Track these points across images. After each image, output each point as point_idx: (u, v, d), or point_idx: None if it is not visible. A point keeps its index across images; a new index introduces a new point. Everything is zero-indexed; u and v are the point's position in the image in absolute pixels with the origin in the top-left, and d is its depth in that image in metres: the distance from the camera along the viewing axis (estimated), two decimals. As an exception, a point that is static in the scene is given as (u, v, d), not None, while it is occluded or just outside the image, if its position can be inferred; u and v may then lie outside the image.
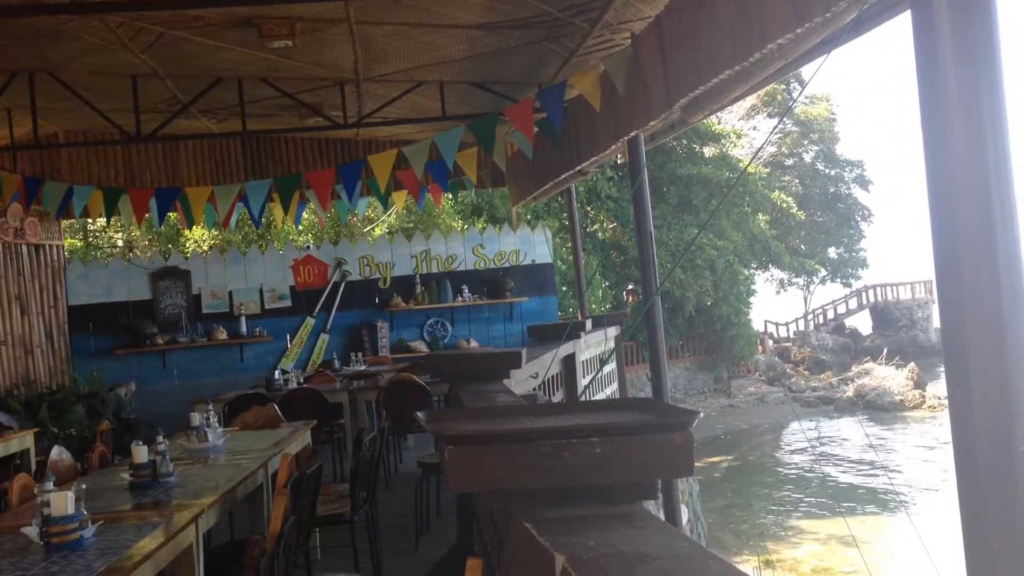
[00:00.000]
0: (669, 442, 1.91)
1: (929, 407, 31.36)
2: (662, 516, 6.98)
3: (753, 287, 35.55)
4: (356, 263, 12.68)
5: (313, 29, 7.42)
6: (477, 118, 7.85)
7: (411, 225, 17.56)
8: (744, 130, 38.61)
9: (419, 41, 8.02)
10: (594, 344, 10.69)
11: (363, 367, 10.45)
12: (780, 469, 26.36)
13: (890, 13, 4.59)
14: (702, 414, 1.99)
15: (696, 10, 5.80)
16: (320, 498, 5.24)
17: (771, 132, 20.10)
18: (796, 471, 25.91)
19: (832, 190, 42.46)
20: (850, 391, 34.48)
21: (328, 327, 12.51)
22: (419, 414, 2.18)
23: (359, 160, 8.75)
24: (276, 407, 6.70)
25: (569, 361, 9.43)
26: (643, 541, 1.65)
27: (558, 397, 8.63)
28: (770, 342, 41.42)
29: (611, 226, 30.19)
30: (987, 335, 1.73)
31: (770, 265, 38.66)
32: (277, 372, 9.45)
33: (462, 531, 4.61)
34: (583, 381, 9.51)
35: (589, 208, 29.19)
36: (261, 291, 12.46)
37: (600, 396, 10.49)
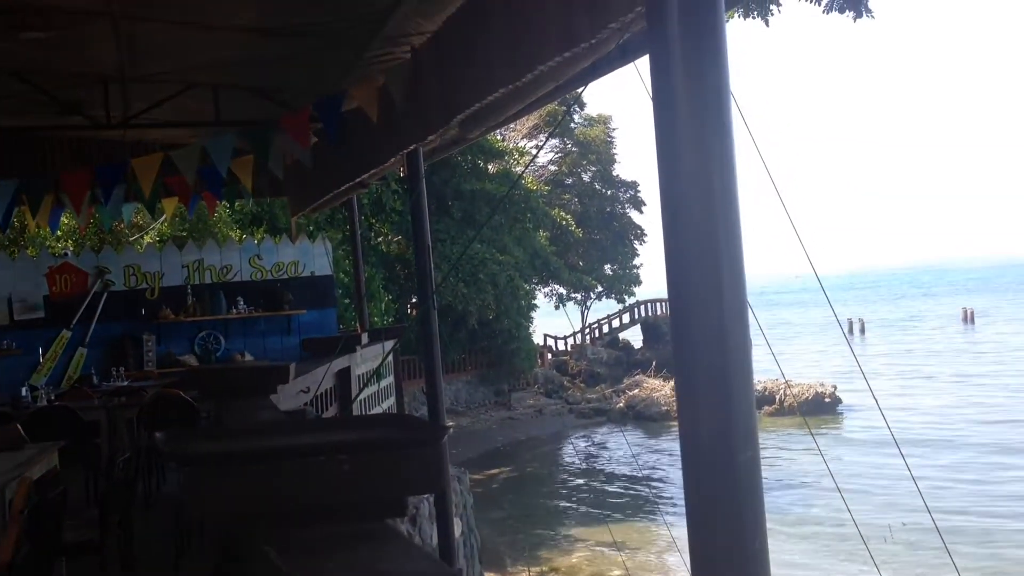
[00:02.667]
0: (418, 458, 1.90)
1: (693, 416, 33.22)
2: (435, 530, 7.00)
3: (534, 302, 36.57)
4: (121, 272, 11.93)
5: (71, 22, 6.93)
6: (253, 125, 7.62)
7: (184, 234, 16.76)
8: (527, 148, 39.70)
9: (191, 41, 7.68)
10: (371, 358, 10.59)
11: (125, 383, 9.84)
12: (556, 480, 27.17)
13: (632, 56, 4.86)
14: (451, 429, 1.99)
15: (473, 29, 5.90)
16: (67, 524, 4.87)
17: (538, 151, 20.80)
18: (570, 481, 26.79)
19: (608, 209, 44.43)
20: (622, 402, 36.11)
21: (87, 340, 11.69)
22: (157, 435, 2.06)
23: (121, 162, 8.25)
24: (19, 427, 6.17)
25: (344, 375, 9.29)
26: (383, 560, 1.63)
27: (331, 412, 8.48)
28: (549, 356, 42.70)
29: (396, 239, 30.15)
30: (712, 352, 1.85)
31: (550, 280, 39.93)
32: (24, 389, 8.72)
33: (222, 553, 4.42)
34: (358, 395, 9.40)
35: (374, 220, 29.03)
36: (10, 301, 11.46)
37: (377, 410, 10.41)
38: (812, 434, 28.62)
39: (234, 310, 12.15)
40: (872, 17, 8.95)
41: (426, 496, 7.77)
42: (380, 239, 29.79)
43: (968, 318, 69.32)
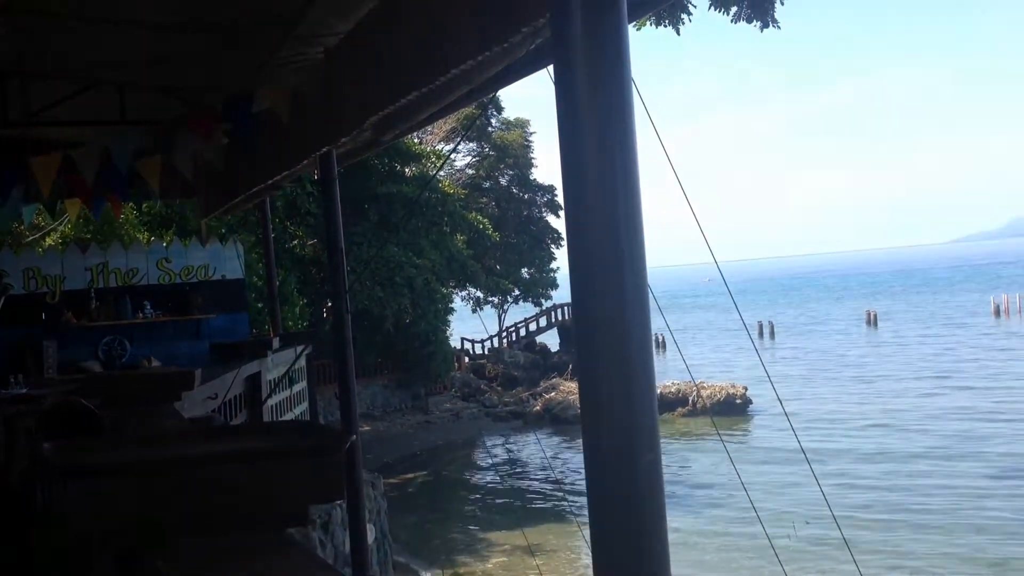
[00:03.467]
0: (320, 466, 1.87)
1: (608, 419, 33.64)
2: (347, 536, 6.91)
3: (451, 305, 36.52)
4: (20, 275, 11.48)
5: (-34, 14, 6.64)
6: (160, 124, 7.42)
7: (88, 236, 16.23)
8: (445, 151, 39.63)
9: (96, 37, 7.44)
10: (283, 363, 10.41)
11: (23, 390, 9.45)
12: (472, 484, 27.17)
13: (545, 61, 4.90)
14: (355, 437, 1.96)
15: (386, 30, 5.85)
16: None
17: (450, 152, 20.79)
18: (487, 485, 26.83)
19: (526, 213, 44.69)
20: (538, 406, 36.30)
21: (-17, 346, 11.22)
22: (45, 445, 1.98)
23: (20, 162, 7.94)
24: (-93, 437, 5.88)
25: (254, 380, 9.11)
26: (280, 572, 1.59)
27: (240, 418, 8.31)
28: (466, 359, 42.71)
29: (311, 242, 29.77)
30: (614, 356, 1.86)
31: (467, 284, 39.94)
32: (-85, 397, 8.31)
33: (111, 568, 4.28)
34: (269, 401, 9.24)
35: (289, 223, 28.61)
36: (-100, 305, 10.93)
37: (289, 416, 10.24)
38: (720, 435, 29.29)
39: (140, 315, 11.80)
40: (779, 28, 9.21)
41: (339, 502, 7.68)
42: (295, 242, 29.37)
43: (871, 321, 71.68)
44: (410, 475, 26.69)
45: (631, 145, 1.91)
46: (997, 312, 70.75)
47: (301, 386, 11.32)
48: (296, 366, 10.87)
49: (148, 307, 11.84)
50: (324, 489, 1.89)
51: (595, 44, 1.87)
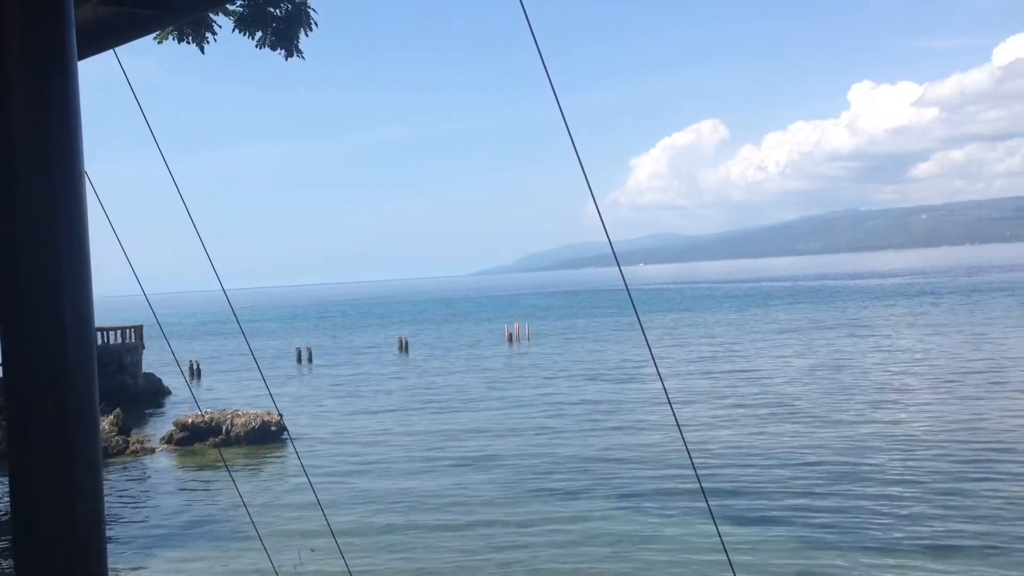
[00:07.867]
0: None
1: (132, 452, 31.66)
2: None
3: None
4: None
5: None
6: None
7: None
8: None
9: None
10: None
11: None
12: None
13: None
14: None
15: None
16: None
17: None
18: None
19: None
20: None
21: None
22: None
23: None
24: None
25: None
26: None
27: None
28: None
29: None
30: (50, 401, 1.76)
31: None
32: None
33: None
34: None
35: None
36: None
37: None
38: (227, 467, 29.12)
39: None
40: (303, 58, 9.36)
41: None
42: None
43: (403, 347, 75.77)
44: None
45: (78, 178, 1.84)
46: (510, 339, 78.78)
47: None
48: None
49: None
50: None
51: (33, 65, 1.78)
